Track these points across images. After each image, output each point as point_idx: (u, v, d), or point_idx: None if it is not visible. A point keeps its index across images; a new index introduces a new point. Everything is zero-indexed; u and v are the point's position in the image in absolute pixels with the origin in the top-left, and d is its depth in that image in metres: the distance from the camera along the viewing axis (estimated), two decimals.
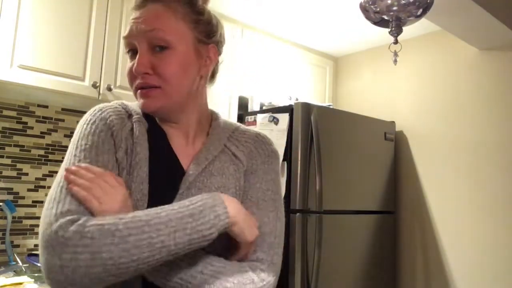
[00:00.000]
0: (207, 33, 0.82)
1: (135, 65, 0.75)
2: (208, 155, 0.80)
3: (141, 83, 0.76)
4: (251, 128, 0.91)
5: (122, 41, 0.79)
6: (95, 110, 0.77)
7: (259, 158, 0.84)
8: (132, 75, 0.77)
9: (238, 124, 0.91)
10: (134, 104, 0.81)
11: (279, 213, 0.81)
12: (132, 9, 0.79)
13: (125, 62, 1.95)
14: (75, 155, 0.70)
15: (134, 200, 0.71)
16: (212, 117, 0.89)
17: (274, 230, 0.78)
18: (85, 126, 0.74)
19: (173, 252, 0.63)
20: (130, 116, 0.78)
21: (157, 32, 0.75)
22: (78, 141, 0.72)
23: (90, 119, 0.75)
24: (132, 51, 0.78)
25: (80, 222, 0.61)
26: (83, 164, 0.68)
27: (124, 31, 0.80)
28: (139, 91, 0.77)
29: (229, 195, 0.76)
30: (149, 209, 0.66)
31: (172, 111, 0.80)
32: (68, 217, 0.61)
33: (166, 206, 0.67)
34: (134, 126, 0.76)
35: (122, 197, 0.67)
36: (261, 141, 0.87)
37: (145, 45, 0.75)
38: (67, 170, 0.67)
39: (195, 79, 0.81)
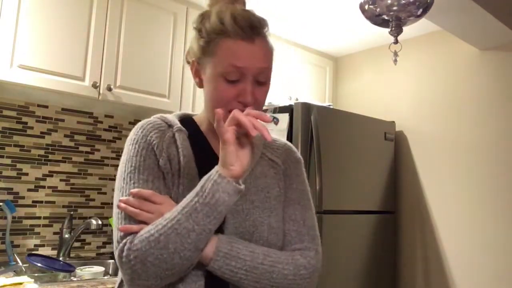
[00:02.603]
0: None
1: (247, 96, 0.83)
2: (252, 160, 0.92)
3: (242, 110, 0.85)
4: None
5: (224, 66, 0.83)
6: (137, 128, 0.88)
7: (291, 163, 0.97)
8: (230, 99, 0.83)
9: None
10: (171, 116, 0.93)
11: (314, 212, 0.96)
12: (236, 39, 0.82)
13: (125, 62, 1.98)
14: (123, 178, 0.83)
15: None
16: None
17: (315, 225, 0.93)
18: (131, 147, 0.86)
19: (198, 232, 0.74)
20: (170, 126, 0.89)
21: (265, 71, 0.85)
22: (125, 163, 0.84)
23: (134, 139, 0.87)
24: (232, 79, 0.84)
25: (127, 244, 0.76)
26: (134, 190, 0.80)
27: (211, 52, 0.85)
28: None
29: (274, 194, 0.91)
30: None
31: None
32: (124, 240, 0.76)
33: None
34: (176, 134, 0.87)
35: (168, 210, 0.78)
36: (289, 149, 1.00)
37: (251, 78, 0.84)
38: (120, 201, 0.80)
39: None
